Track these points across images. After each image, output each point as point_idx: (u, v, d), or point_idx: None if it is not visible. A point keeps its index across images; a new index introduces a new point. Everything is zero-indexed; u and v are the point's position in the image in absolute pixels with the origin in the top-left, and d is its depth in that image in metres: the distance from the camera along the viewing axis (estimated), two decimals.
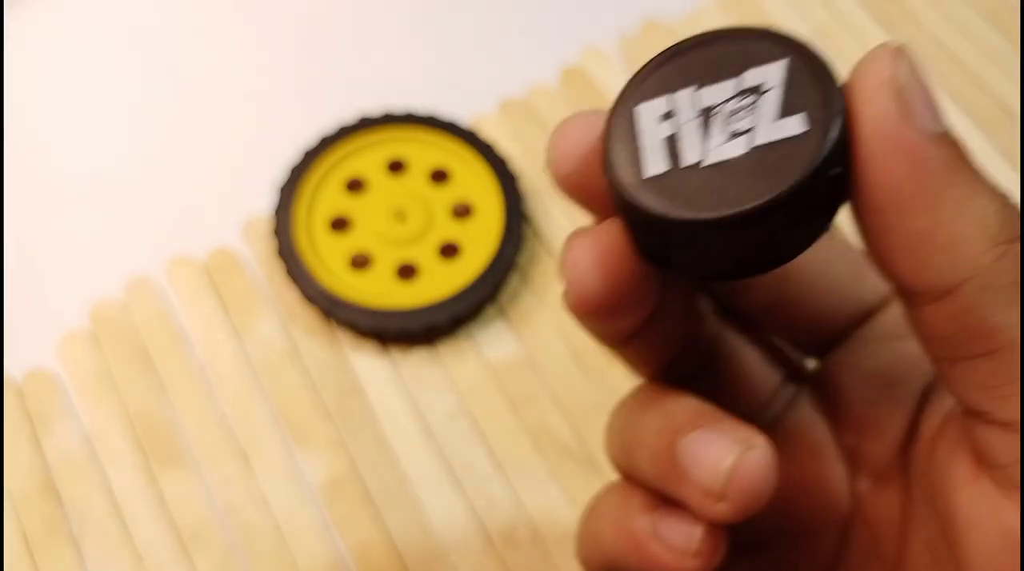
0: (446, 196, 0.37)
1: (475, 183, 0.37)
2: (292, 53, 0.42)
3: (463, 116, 0.39)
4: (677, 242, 0.17)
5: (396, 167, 0.38)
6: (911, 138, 0.16)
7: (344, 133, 0.38)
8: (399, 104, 0.39)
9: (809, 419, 0.23)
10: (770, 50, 0.17)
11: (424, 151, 0.38)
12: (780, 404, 0.23)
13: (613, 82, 0.40)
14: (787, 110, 0.17)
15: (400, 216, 0.37)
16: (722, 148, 0.17)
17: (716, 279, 0.21)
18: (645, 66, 0.18)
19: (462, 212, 0.37)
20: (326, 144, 0.37)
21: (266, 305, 0.36)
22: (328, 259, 0.36)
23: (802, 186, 0.16)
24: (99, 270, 0.36)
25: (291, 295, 0.36)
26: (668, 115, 0.17)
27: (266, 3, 0.43)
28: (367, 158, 0.38)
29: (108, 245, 0.37)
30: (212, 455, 0.33)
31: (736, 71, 0.17)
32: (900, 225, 0.16)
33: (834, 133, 0.16)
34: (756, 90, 0.17)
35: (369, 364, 0.35)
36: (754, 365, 0.23)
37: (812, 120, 0.16)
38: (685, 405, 0.20)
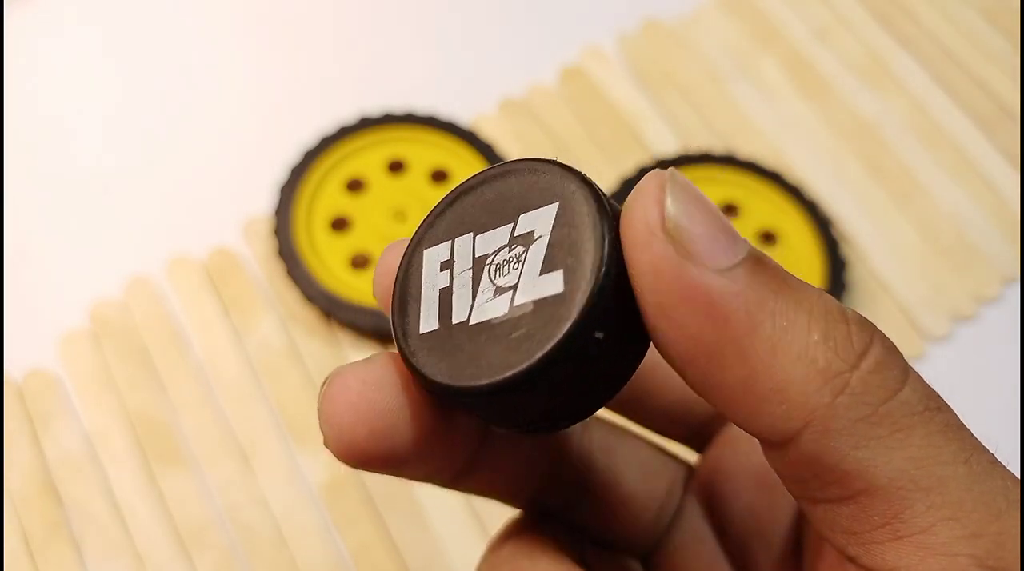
0: None
1: None
2: (292, 53, 0.42)
3: (463, 116, 0.39)
4: (452, 402, 0.16)
5: (396, 167, 0.38)
6: (697, 282, 0.14)
7: (344, 133, 0.38)
8: (399, 104, 0.39)
9: (698, 532, 0.21)
10: (544, 190, 0.16)
11: (424, 151, 0.38)
12: (669, 514, 0.21)
13: (613, 82, 0.40)
14: (548, 265, 0.15)
15: (400, 216, 0.37)
16: (486, 307, 0.16)
17: (522, 432, 0.18)
18: (442, 200, 0.17)
19: None
20: (326, 144, 0.37)
21: (266, 305, 0.36)
22: (328, 259, 0.36)
23: (551, 358, 0.15)
24: (99, 270, 0.36)
25: (291, 295, 0.36)
26: (447, 264, 0.16)
27: (266, 3, 0.43)
28: (367, 158, 0.38)
29: (108, 245, 0.37)
30: (212, 455, 0.33)
31: (512, 215, 0.16)
32: (715, 378, 0.14)
33: (591, 297, 0.15)
34: (527, 238, 0.16)
35: None
36: (637, 473, 0.21)
37: (570, 279, 0.15)
38: None
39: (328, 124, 0.38)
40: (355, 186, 0.37)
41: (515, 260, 0.16)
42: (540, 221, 0.16)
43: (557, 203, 0.16)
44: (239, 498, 0.32)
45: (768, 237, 0.37)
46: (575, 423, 0.17)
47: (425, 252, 0.17)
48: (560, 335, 0.15)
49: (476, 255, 0.16)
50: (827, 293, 0.15)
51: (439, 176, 0.38)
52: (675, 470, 0.21)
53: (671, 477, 0.21)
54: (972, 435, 0.15)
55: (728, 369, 0.14)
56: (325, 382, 0.17)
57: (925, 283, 0.37)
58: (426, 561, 0.31)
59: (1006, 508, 0.14)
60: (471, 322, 0.16)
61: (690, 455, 0.22)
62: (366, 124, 0.38)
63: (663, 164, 0.37)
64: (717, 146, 0.39)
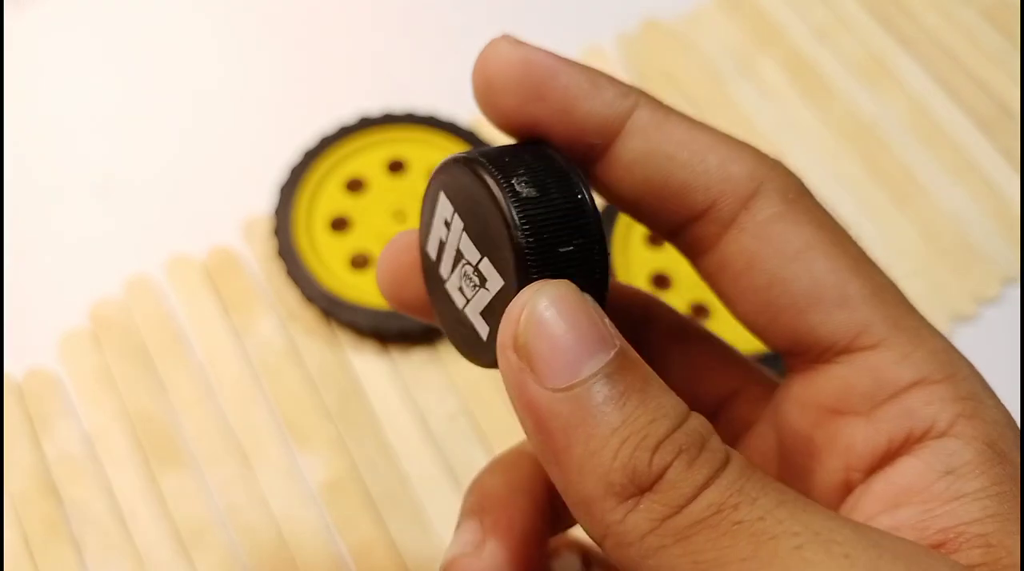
0: None
1: None
2: (292, 54, 0.42)
3: (463, 116, 0.39)
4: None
5: (396, 167, 0.38)
6: (531, 396, 0.16)
7: (344, 133, 0.38)
8: (399, 104, 0.39)
9: (765, 436, 0.21)
10: (508, 260, 0.17)
11: (424, 151, 0.38)
12: (740, 417, 0.22)
13: None
14: (486, 315, 0.18)
15: (400, 216, 0.37)
16: (454, 289, 0.18)
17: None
18: (460, 155, 0.19)
19: None
20: (326, 144, 0.37)
21: (266, 305, 0.36)
22: (328, 259, 0.36)
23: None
24: (99, 270, 0.36)
25: (291, 295, 0.36)
26: (448, 224, 0.18)
27: (266, 4, 0.43)
28: (367, 158, 0.38)
29: (108, 245, 0.37)
30: (212, 455, 0.33)
31: (484, 249, 0.17)
32: (549, 476, 0.16)
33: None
34: (483, 279, 0.17)
35: (369, 364, 0.35)
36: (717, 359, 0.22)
37: (491, 341, 0.18)
38: None
39: (328, 124, 0.38)
40: (355, 186, 0.37)
41: (473, 285, 0.18)
42: (493, 280, 0.17)
43: (503, 284, 0.17)
44: (239, 498, 0.32)
45: None
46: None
47: (441, 194, 0.19)
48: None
49: (459, 247, 0.18)
50: (672, 411, 0.16)
51: None
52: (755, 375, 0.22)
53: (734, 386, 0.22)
54: (780, 522, 0.15)
55: (552, 474, 0.16)
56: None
57: (925, 283, 0.37)
58: (426, 561, 0.31)
59: None
60: (446, 285, 0.19)
61: None
62: (366, 124, 0.38)
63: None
64: None
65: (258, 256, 0.37)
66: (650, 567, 0.15)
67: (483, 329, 0.18)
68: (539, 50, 0.19)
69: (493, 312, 0.17)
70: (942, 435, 0.17)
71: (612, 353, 0.16)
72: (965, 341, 0.36)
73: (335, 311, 0.34)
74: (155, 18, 0.43)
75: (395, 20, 0.43)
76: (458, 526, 0.20)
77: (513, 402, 0.16)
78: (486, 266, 0.17)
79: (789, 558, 0.15)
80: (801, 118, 0.40)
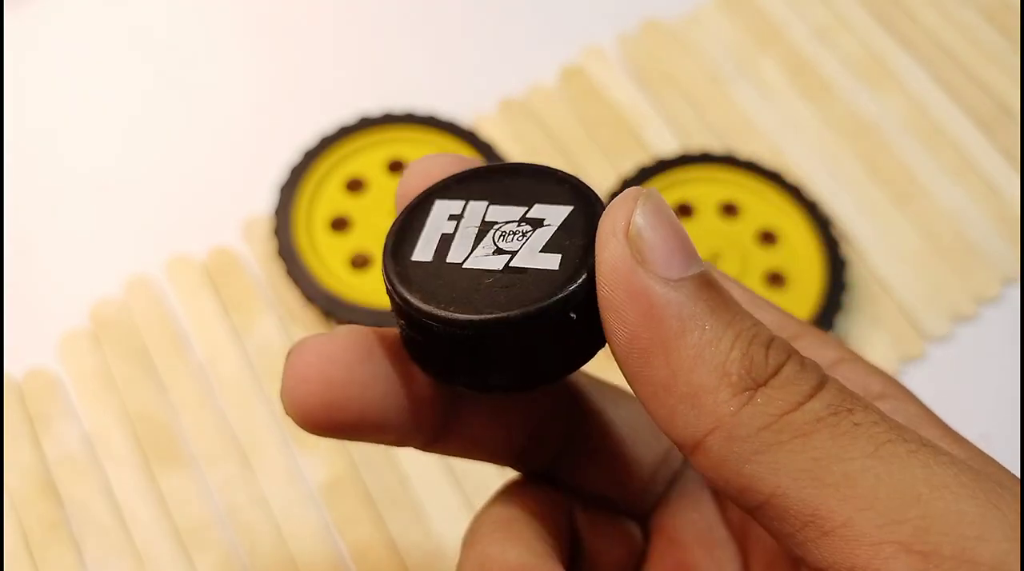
0: None
1: None
2: (292, 53, 0.42)
3: (463, 116, 0.39)
4: (419, 331, 0.18)
5: (396, 167, 0.38)
6: (642, 285, 0.16)
7: (344, 133, 0.38)
8: (399, 104, 0.39)
9: (697, 497, 0.21)
10: (563, 194, 0.18)
11: (424, 151, 0.38)
12: (666, 476, 0.22)
13: (613, 82, 0.40)
14: (550, 248, 0.17)
15: None
16: (482, 259, 0.18)
17: (479, 388, 0.20)
18: (462, 172, 0.19)
19: None
20: (326, 144, 0.37)
21: (266, 305, 0.36)
22: (328, 259, 0.36)
23: (530, 316, 0.17)
24: (99, 270, 0.36)
25: (291, 295, 0.36)
26: (455, 218, 0.18)
27: (267, 4, 0.43)
28: (367, 158, 0.38)
29: (108, 245, 0.37)
30: (212, 455, 0.33)
31: (528, 201, 0.18)
32: (643, 374, 0.16)
33: (577, 283, 0.17)
34: (536, 222, 0.18)
35: None
36: (633, 433, 0.22)
37: (565, 264, 0.17)
38: (505, 560, 0.19)
39: (328, 124, 0.38)
40: (355, 186, 0.37)
41: (521, 234, 0.18)
42: (553, 214, 0.18)
43: (572, 207, 0.18)
44: (239, 498, 0.32)
45: (768, 237, 0.37)
46: (524, 390, 0.19)
47: (437, 201, 0.19)
48: (546, 301, 0.17)
49: (486, 219, 0.18)
50: (786, 315, 0.16)
51: None
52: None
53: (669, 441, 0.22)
54: (892, 428, 0.15)
55: (654, 368, 0.16)
56: (289, 352, 0.18)
57: (925, 283, 0.37)
58: (426, 561, 0.31)
59: (928, 493, 0.15)
60: (464, 265, 0.18)
61: None
62: (366, 124, 0.38)
63: (663, 164, 0.37)
64: (717, 146, 0.39)
65: (258, 256, 0.37)
66: (762, 462, 0.15)
67: (550, 261, 0.17)
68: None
69: (562, 238, 0.17)
70: None
71: (705, 264, 0.16)
72: (965, 341, 0.36)
73: (335, 311, 0.34)
74: (155, 18, 0.43)
75: (395, 20, 0.43)
76: None
77: (612, 292, 0.16)
78: (539, 209, 0.18)
79: (908, 459, 0.15)
80: (801, 118, 0.40)
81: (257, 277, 0.36)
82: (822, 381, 0.16)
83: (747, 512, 0.16)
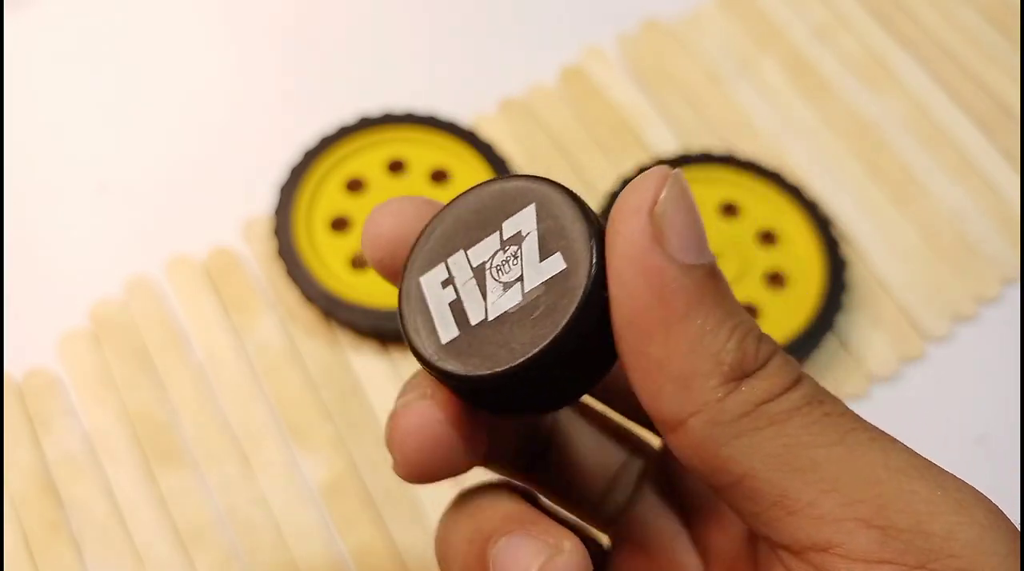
0: (446, 196, 0.37)
1: (474, 182, 0.37)
2: (292, 53, 0.42)
3: (463, 116, 0.39)
4: (487, 393, 0.18)
5: (396, 167, 0.38)
6: (657, 263, 0.16)
7: (344, 133, 0.38)
8: (399, 104, 0.39)
9: (657, 507, 0.22)
10: (515, 197, 0.18)
11: (424, 151, 0.38)
12: (625, 489, 0.23)
13: (612, 82, 0.40)
14: (545, 252, 0.18)
15: None
16: (500, 302, 0.18)
17: (543, 411, 0.21)
18: (418, 238, 0.19)
19: None
20: (326, 144, 0.37)
21: (266, 305, 0.36)
22: (328, 259, 0.36)
23: (578, 317, 0.17)
24: (99, 270, 0.36)
25: (291, 295, 0.36)
26: (448, 281, 0.18)
27: (266, 4, 0.43)
28: (367, 158, 0.38)
29: (108, 245, 0.37)
30: (212, 455, 0.33)
31: (495, 224, 0.18)
32: (640, 350, 0.17)
33: (594, 263, 0.17)
34: (516, 238, 0.18)
35: (369, 364, 0.35)
36: (594, 449, 0.23)
37: (569, 256, 0.17)
38: (498, 508, 0.20)
39: (328, 124, 0.38)
40: (355, 186, 0.37)
41: (513, 258, 0.18)
42: (523, 221, 0.18)
43: (533, 203, 0.18)
44: (239, 498, 0.32)
45: (768, 237, 0.37)
46: (587, 387, 0.19)
47: (421, 279, 0.19)
48: (580, 296, 0.17)
49: (474, 266, 0.18)
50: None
51: (439, 176, 0.38)
52: (633, 449, 0.23)
53: (626, 455, 0.23)
54: (854, 419, 0.17)
55: (652, 345, 0.17)
56: (393, 413, 0.19)
57: (925, 283, 0.37)
58: (426, 561, 0.31)
59: (886, 476, 0.16)
60: (490, 318, 0.18)
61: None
62: (366, 124, 0.38)
63: (663, 164, 0.37)
64: (717, 146, 0.39)
65: (258, 256, 0.37)
66: (738, 445, 0.16)
67: (555, 264, 0.17)
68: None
69: (549, 236, 0.18)
70: None
71: (712, 256, 0.17)
72: (965, 341, 0.36)
73: (335, 311, 0.34)
74: (155, 17, 0.43)
75: (395, 20, 0.43)
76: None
77: (625, 265, 0.16)
78: (509, 225, 0.18)
79: (870, 445, 0.16)
80: (801, 118, 0.40)
81: (257, 277, 0.36)
82: (800, 376, 0.17)
83: (715, 490, 0.17)
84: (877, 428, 0.17)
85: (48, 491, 0.32)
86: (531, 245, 0.18)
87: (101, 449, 0.33)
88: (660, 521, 0.22)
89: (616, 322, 0.17)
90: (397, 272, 0.20)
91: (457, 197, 0.19)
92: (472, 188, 0.19)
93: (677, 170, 0.17)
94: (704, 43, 0.42)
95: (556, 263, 0.17)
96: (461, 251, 0.18)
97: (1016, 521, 0.17)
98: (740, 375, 0.16)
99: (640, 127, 0.39)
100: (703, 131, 0.39)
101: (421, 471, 0.19)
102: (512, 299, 0.18)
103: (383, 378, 0.34)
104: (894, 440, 0.17)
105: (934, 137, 0.40)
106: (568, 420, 0.23)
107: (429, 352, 0.18)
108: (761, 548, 0.19)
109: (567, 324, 0.17)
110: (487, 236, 0.18)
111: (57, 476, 0.33)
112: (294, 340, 0.35)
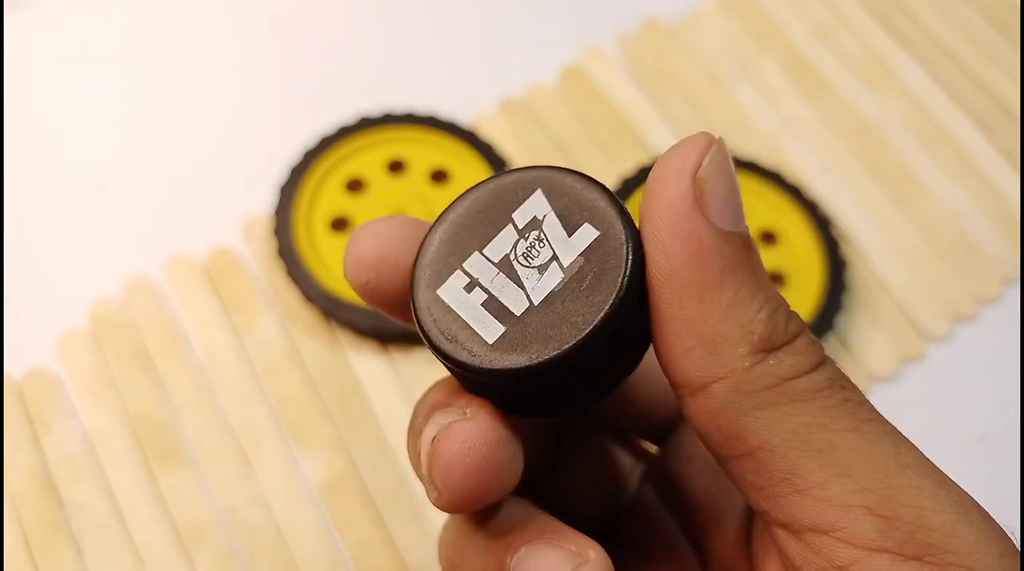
0: (446, 196, 0.37)
1: (474, 182, 0.37)
2: (292, 53, 0.42)
3: (463, 116, 0.39)
4: (556, 378, 0.17)
5: (396, 167, 0.38)
6: (697, 227, 0.16)
7: (344, 133, 0.38)
8: (399, 104, 0.39)
9: (655, 511, 0.22)
10: (519, 187, 0.18)
11: (424, 151, 0.38)
12: (628, 495, 0.23)
13: (612, 82, 0.40)
14: (571, 226, 0.18)
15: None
16: (541, 285, 0.17)
17: (588, 403, 0.20)
18: (421, 247, 0.19)
19: None
20: (326, 144, 0.37)
21: (266, 305, 0.36)
22: (328, 259, 0.36)
23: (633, 271, 0.17)
24: (99, 270, 0.36)
25: (291, 295, 0.36)
26: (471, 285, 0.18)
27: (266, 4, 0.43)
28: (367, 158, 0.38)
29: (108, 245, 0.37)
30: (212, 455, 0.33)
31: (505, 219, 0.18)
32: (672, 311, 0.17)
33: (629, 226, 0.17)
34: (534, 224, 0.18)
35: (369, 364, 0.35)
36: (600, 453, 0.23)
37: (599, 223, 0.17)
38: (514, 515, 0.19)
39: (328, 124, 0.38)
40: (355, 186, 0.37)
41: (537, 241, 0.18)
42: (535, 207, 0.18)
43: (539, 189, 0.18)
44: (239, 498, 0.32)
45: (768, 237, 0.37)
46: (637, 362, 0.19)
47: (439, 292, 0.18)
48: (627, 251, 0.17)
49: (496, 261, 0.18)
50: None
51: (439, 176, 0.38)
52: (634, 457, 0.24)
53: (627, 462, 0.23)
54: (872, 410, 0.17)
55: (684, 308, 0.17)
56: (433, 440, 0.18)
57: (925, 283, 0.37)
58: (426, 561, 0.31)
59: (895, 469, 0.16)
60: (536, 303, 0.17)
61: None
62: (366, 124, 0.38)
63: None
64: None
65: (258, 256, 0.37)
66: (759, 417, 0.17)
67: (588, 234, 0.17)
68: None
69: (570, 213, 0.18)
70: None
71: (747, 226, 0.17)
72: (965, 341, 0.36)
73: (335, 311, 0.34)
74: (156, 17, 0.43)
75: (395, 20, 0.43)
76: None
77: (665, 226, 0.17)
78: (519, 214, 0.18)
79: (884, 438, 0.17)
80: (801, 118, 0.40)
81: (257, 277, 0.36)
82: (825, 358, 0.17)
83: (723, 460, 0.17)
84: (891, 423, 0.17)
85: (48, 491, 0.32)
86: (553, 225, 0.18)
87: (101, 449, 0.33)
88: (659, 524, 0.22)
89: (652, 281, 0.17)
90: (384, 296, 0.19)
91: (448, 207, 0.19)
92: (463, 194, 0.19)
93: (720, 136, 0.17)
94: (704, 43, 0.42)
95: (587, 233, 0.17)
96: (476, 253, 0.18)
97: (1016, 520, 0.17)
98: (768, 347, 0.17)
99: (640, 127, 0.39)
100: (703, 131, 0.39)
101: (468, 500, 0.18)
102: (553, 278, 0.17)
103: (383, 378, 0.34)
104: (905, 438, 0.17)
105: (934, 137, 0.40)
106: (575, 433, 0.23)
107: (478, 357, 0.17)
108: (756, 541, 0.20)
109: (628, 277, 0.17)
110: (500, 231, 0.18)
111: (57, 476, 0.33)
112: (294, 340, 0.35)
